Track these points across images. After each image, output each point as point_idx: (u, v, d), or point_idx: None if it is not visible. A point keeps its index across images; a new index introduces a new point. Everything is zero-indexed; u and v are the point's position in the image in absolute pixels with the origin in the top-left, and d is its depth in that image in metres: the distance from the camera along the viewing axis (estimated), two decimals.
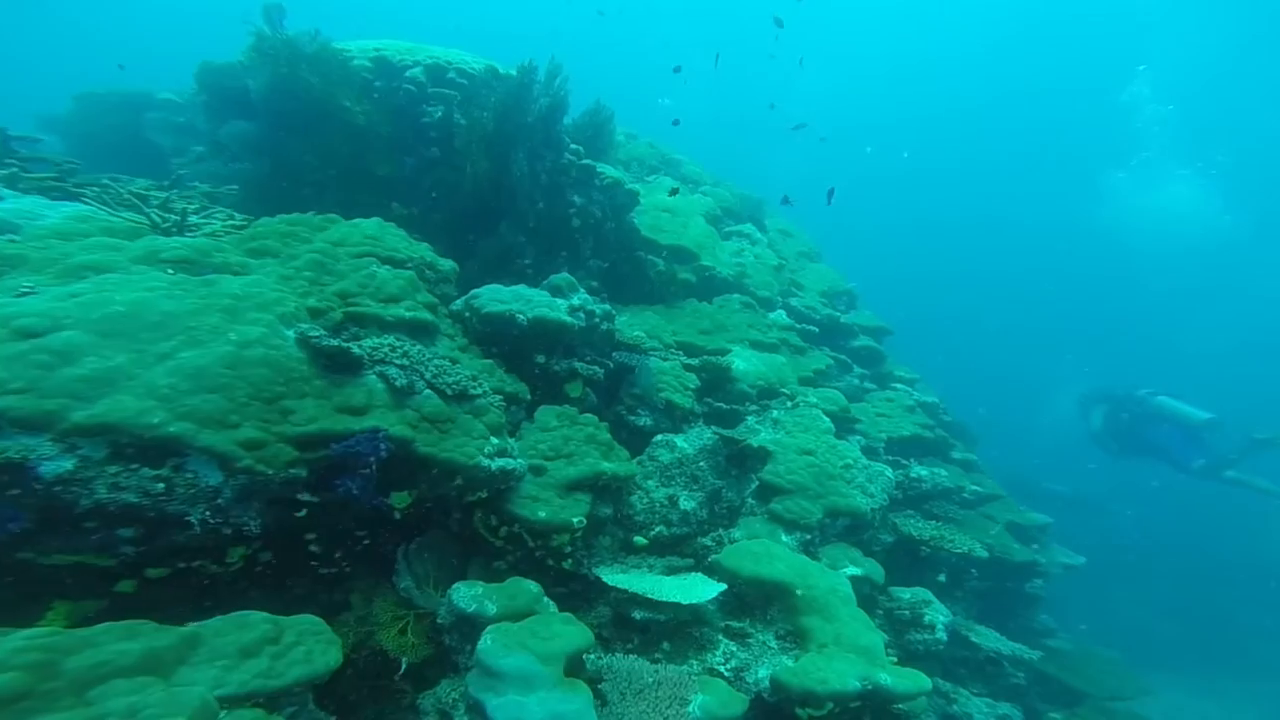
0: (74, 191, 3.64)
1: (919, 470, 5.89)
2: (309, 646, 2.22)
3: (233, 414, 2.38)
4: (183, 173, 4.78)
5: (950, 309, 31.37)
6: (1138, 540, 13.79)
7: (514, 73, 5.12)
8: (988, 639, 5.06)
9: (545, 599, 2.98)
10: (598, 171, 5.53)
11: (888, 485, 4.88)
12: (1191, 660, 10.68)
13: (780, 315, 6.91)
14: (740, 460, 4.47)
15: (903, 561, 4.99)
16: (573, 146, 5.43)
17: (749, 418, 5.01)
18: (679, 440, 4.32)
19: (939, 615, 4.41)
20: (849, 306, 8.54)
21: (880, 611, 4.44)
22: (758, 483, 4.40)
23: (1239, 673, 10.63)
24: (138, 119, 7.10)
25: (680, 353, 5.27)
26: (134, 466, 2.17)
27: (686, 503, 4.06)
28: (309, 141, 4.87)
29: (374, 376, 2.91)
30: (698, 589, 3.35)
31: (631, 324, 5.35)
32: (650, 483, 4.06)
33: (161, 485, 2.20)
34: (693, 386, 4.76)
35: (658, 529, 3.91)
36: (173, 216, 3.54)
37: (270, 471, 2.39)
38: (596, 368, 4.22)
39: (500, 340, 3.91)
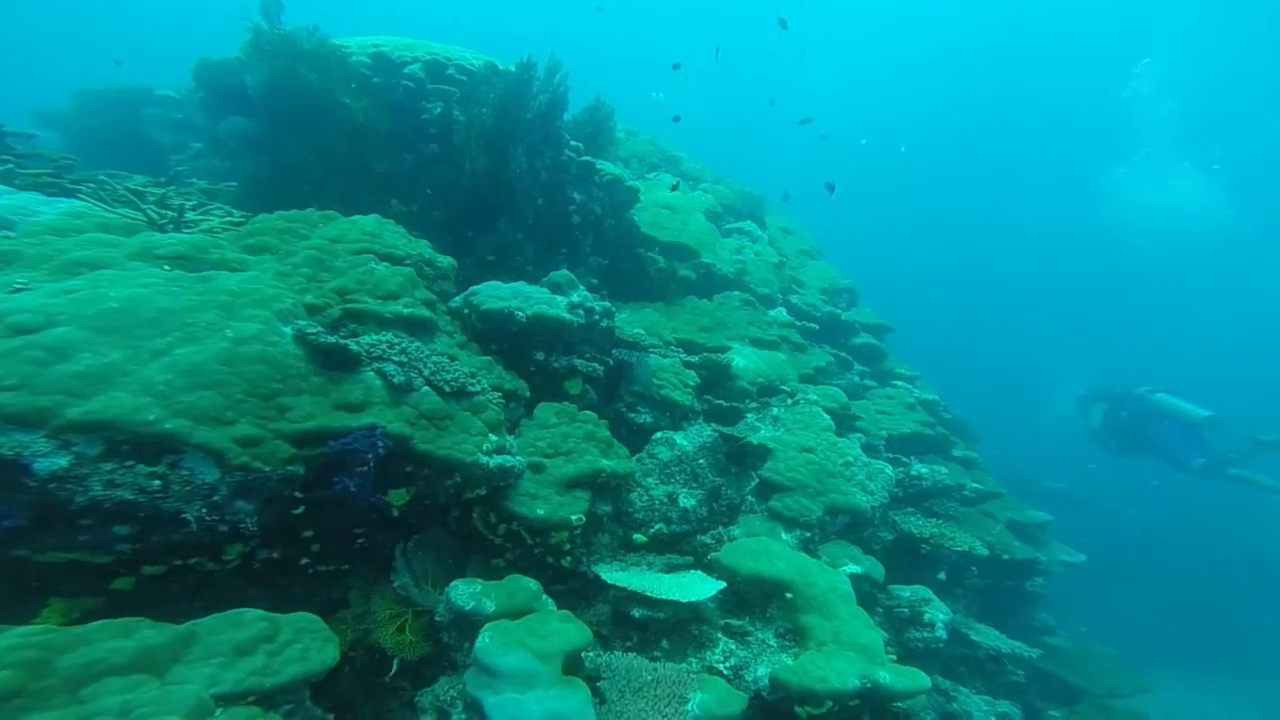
0: (70, 188, 3.63)
1: (919, 468, 5.88)
2: (305, 644, 2.21)
3: (229, 411, 2.37)
4: (181, 169, 4.76)
5: (951, 306, 31.36)
6: (1137, 538, 13.79)
7: (513, 69, 5.09)
8: (987, 637, 5.05)
9: (544, 597, 2.97)
10: (597, 168, 5.51)
11: (888, 483, 4.87)
12: (1191, 658, 10.68)
13: (781, 312, 6.89)
14: (740, 458, 4.45)
15: (903, 559, 4.98)
16: (572, 143, 5.40)
17: (749, 415, 4.99)
18: (678, 437, 4.31)
19: (939, 613, 4.40)
20: (850, 304, 8.52)
21: (880, 609, 4.43)
22: (757, 480, 4.39)
23: (1238, 670, 10.63)
24: (137, 115, 7.09)
25: (680, 350, 5.25)
26: (129, 463, 2.16)
27: (686, 500, 4.05)
28: (307, 138, 4.84)
29: (372, 373, 2.89)
30: (697, 587, 3.34)
31: (631, 321, 5.33)
32: (650, 480, 4.05)
33: (157, 482, 2.19)
34: (692, 384, 4.75)
35: (657, 526, 3.90)
36: (169, 213, 3.52)
37: (267, 469, 2.38)
38: (596, 365, 4.21)
39: (499, 337, 3.89)
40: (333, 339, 2.81)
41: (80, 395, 2.13)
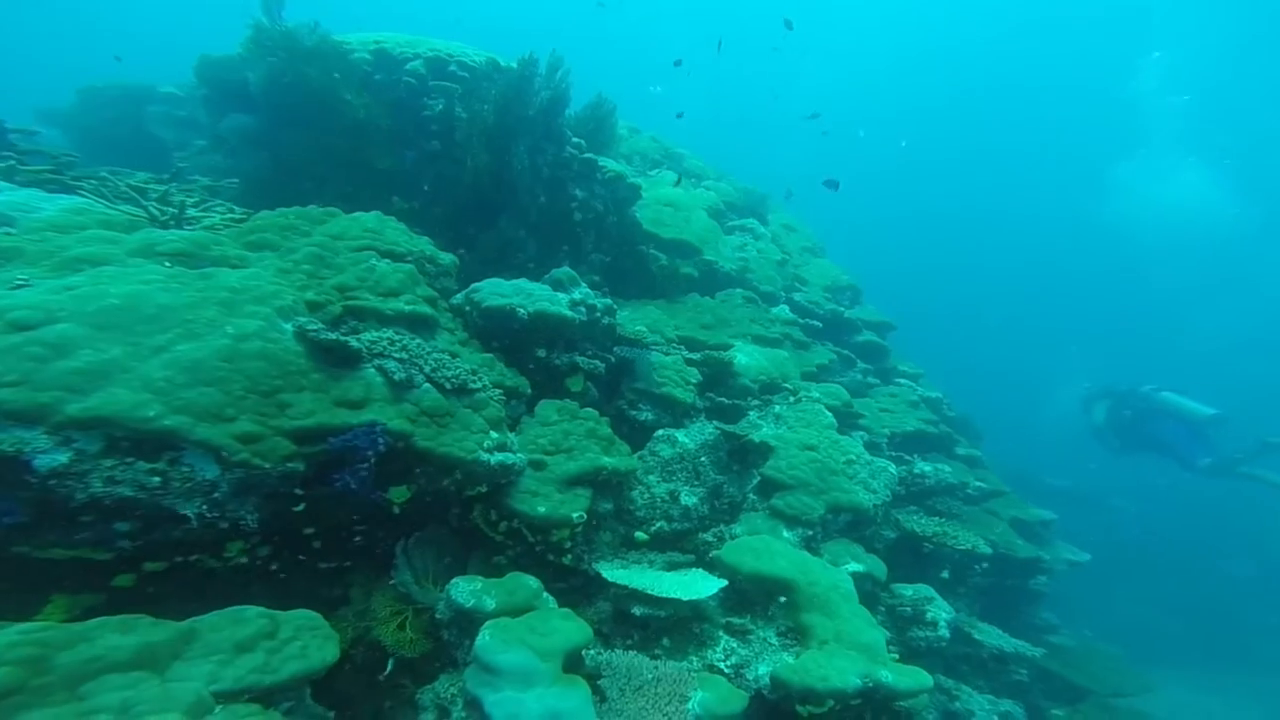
0: (71, 184, 3.62)
1: (922, 466, 5.86)
2: (305, 642, 2.21)
3: (229, 407, 2.37)
4: (183, 166, 4.76)
5: (954, 303, 31.26)
6: (1140, 535, 13.74)
7: (515, 66, 5.07)
8: (990, 636, 5.04)
9: (545, 594, 2.96)
10: (599, 165, 5.49)
11: (891, 481, 4.85)
12: (1195, 656, 10.63)
13: (783, 310, 6.87)
14: (742, 455, 4.44)
15: (905, 558, 4.96)
16: (574, 140, 5.39)
17: (751, 413, 4.98)
18: (680, 435, 4.29)
19: (941, 612, 4.38)
20: (853, 301, 8.49)
21: (882, 608, 4.41)
22: (759, 478, 4.38)
23: (1242, 669, 10.57)
24: (139, 112, 7.08)
25: (682, 347, 5.23)
26: (130, 460, 2.16)
27: (688, 498, 4.04)
28: (309, 135, 4.84)
29: (372, 370, 2.89)
30: (698, 585, 3.33)
31: (633, 318, 5.31)
32: (651, 478, 4.04)
33: (157, 479, 2.18)
34: (694, 381, 4.73)
35: (658, 524, 3.90)
36: (171, 210, 3.52)
37: (267, 465, 2.37)
38: (598, 362, 4.20)
39: (501, 334, 3.88)
40: (333, 336, 2.81)
41: (80, 392, 2.13)
